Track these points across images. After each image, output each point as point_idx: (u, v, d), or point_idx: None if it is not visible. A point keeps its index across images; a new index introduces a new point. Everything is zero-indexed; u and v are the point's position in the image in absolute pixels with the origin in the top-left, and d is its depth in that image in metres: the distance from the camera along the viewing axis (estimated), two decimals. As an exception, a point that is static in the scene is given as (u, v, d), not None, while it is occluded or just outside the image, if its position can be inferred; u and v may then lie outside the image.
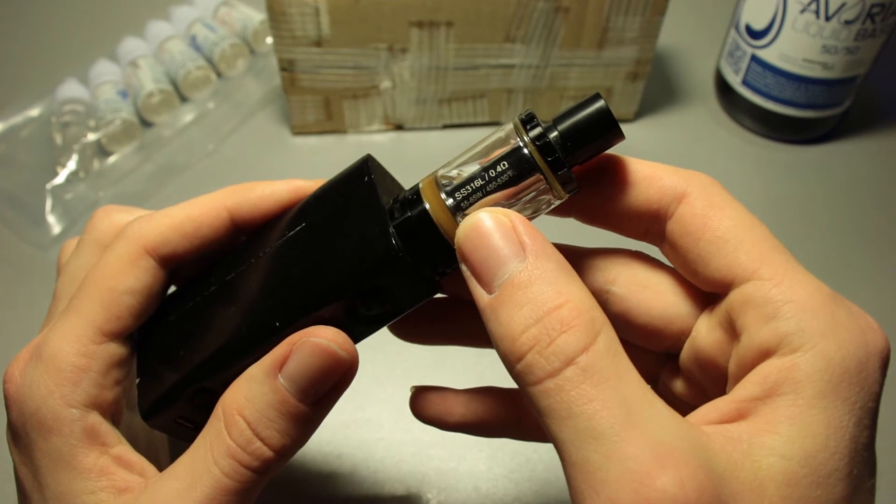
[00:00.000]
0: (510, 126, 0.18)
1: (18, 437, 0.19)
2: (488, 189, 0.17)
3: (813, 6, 0.39)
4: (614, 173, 0.19)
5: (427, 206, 0.18)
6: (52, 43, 0.52)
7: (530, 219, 0.18)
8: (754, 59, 0.43)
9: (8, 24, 0.54)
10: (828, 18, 0.39)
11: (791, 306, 0.16)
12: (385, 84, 0.43)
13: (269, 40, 0.49)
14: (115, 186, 0.42)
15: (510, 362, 0.16)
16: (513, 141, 0.18)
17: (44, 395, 0.19)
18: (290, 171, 0.43)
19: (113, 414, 0.20)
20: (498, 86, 0.44)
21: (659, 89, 0.49)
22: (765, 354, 0.16)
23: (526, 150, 0.17)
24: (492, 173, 0.17)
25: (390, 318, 0.19)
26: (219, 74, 0.48)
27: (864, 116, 0.48)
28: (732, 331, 0.17)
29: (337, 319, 0.18)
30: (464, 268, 0.17)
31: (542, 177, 0.17)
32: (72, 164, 0.42)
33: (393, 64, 0.42)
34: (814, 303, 0.16)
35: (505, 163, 0.17)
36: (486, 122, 0.46)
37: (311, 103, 0.44)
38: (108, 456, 0.19)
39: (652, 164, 0.19)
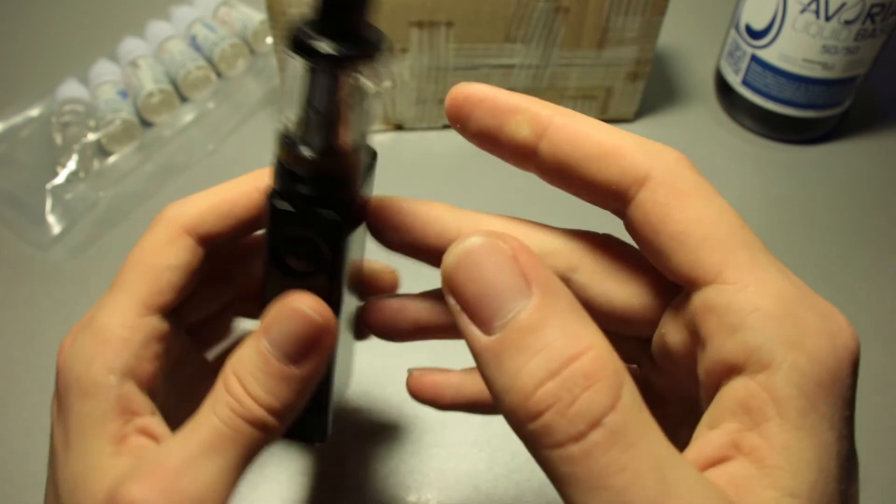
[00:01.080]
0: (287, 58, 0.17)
1: (60, 401, 0.20)
2: (315, 106, 0.17)
3: (813, 6, 0.39)
4: (575, 141, 0.17)
5: (277, 157, 0.18)
6: (52, 43, 0.52)
7: (364, 127, 0.18)
8: (754, 59, 0.43)
9: (8, 24, 0.54)
10: (828, 18, 0.39)
11: (756, 316, 0.15)
12: (385, 83, 0.43)
13: (270, 40, 0.49)
14: (115, 186, 0.42)
15: (520, 420, 0.14)
16: (289, 58, 0.17)
17: (87, 362, 0.19)
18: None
19: (150, 387, 0.21)
20: (498, 86, 0.44)
21: (659, 89, 0.49)
22: (733, 370, 0.15)
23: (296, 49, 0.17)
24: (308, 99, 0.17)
25: (330, 263, 0.19)
26: (219, 74, 0.48)
27: (865, 116, 0.48)
28: (697, 336, 0.16)
29: (286, 284, 0.19)
30: (451, 301, 0.15)
31: (315, 61, 0.16)
32: (72, 164, 0.42)
33: (393, 64, 0.42)
34: (781, 309, 0.15)
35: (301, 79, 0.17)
36: (486, 122, 0.46)
37: (311, 103, 0.44)
38: (135, 424, 0.19)
39: (619, 136, 0.17)
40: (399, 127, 0.46)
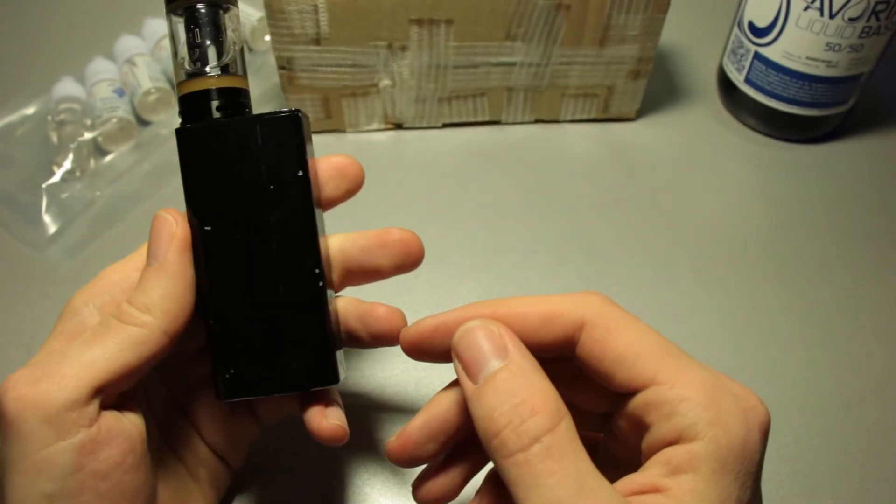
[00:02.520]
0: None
1: None
2: (198, 43, 0.23)
3: (817, 3, 0.39)
4: (523, 320, 0.22)
5: (182, 93, 0.24)
6: (49, 41, 0.52)
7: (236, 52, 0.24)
8: (757, 56, 0.43)
9: (4, 22, 0.54)
10: (832, 16, 0.39)
11: (685, 404, 0.19)
12: (384, 82, 0.43)
13: (268, 38, 0.49)
14: (111, 185, 0.42)
15: (488, 437, 0.19)
16: (174, 17, 0.24)
17: (77, 296, 0.24)
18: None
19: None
20: (498, 84, 0.44)
21: (661, 88, 0.49)
22: (669, 443, 0.19)
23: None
24: (189, 38, 0.24)
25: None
26: (217, 72, 0.47)
27: (869, 115, 0.47)
28: (642, 423, 0.20)
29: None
30: (456, 364, 0.21)
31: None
32: (68, 163, 0.41)
33: (392, 62, 0.42)
34: (703, 397, 0.19)
35: (185, 27, 0.24)
36: (487, 121, 0.46)
37: (309, 102, 0.43)
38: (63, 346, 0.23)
39: (551, 301, 0.22)
40: (399, 125, 0.46)
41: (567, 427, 0.19)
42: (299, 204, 0.23)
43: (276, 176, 0.23)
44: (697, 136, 0.46)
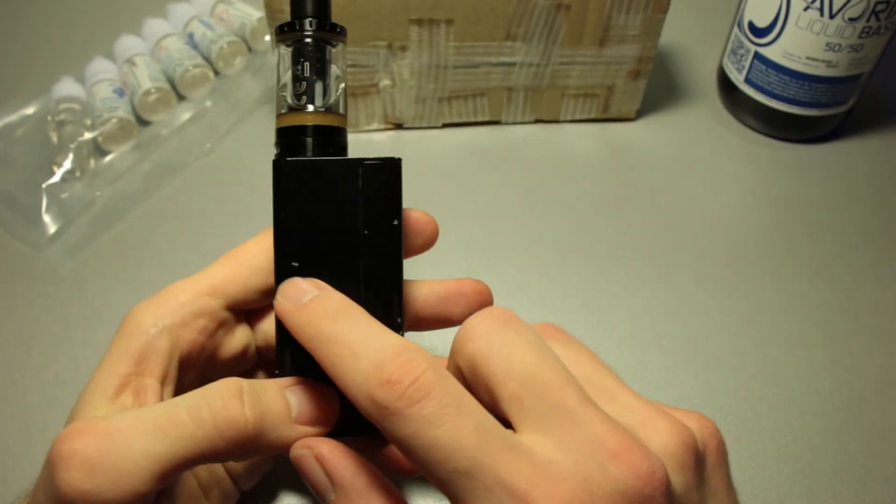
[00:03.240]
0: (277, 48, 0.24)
1: None
2: (303, 78, 0.23)
3: (817, 3, 0.39)
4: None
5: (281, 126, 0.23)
6: (49, 41, 0.52)
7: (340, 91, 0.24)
8: (757, 56, 0.43)
9: (4, 22, 0.54)
10: (832, 16, 0.39)
11: None
12: (384, 82, 0.43)
13: (267, 38, 0.49)
14: (111, 185, 0.42)
15: None
16: (282, 48, 0.24)
17: (143, 310, 0.23)
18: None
19: (184, 355, 0.23)
20: (498, 84, 0.44)
21: (661, 88, 0.49)
22: None
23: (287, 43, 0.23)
24: (298, 72, 0.23)
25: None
26: (216, 73, 0.47)
27: (869, 115, 0.47)
28: None
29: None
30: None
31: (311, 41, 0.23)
32: (68, 163, 0.41)
33: (392, 62, 0.42)
34: None
35: (290, 61, 0.23)
36: (487, 121, 0.46)
37: (309, 102, 0.43)
38: (139, 381, 0.21)
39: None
40: (398, 125, 0.46)
41: None
42: (391, 252, 0.22)
43: (372, 221, 0.22)
44: (697, 136, 0.46)
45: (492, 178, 0.43)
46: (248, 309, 0.25)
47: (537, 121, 0.47)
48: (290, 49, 0.23)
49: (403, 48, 0.41)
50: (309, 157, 0.22)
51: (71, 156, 0.41)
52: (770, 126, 0.46)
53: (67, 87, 0.44)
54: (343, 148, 0.24)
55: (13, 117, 0.45)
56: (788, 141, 0.46)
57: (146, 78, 0.44)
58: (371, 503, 0.20)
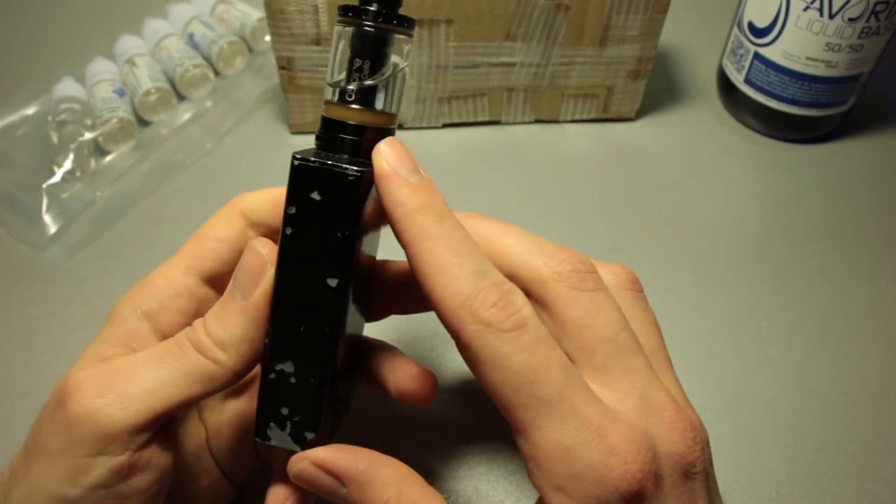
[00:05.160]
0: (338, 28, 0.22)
1: None
2: (359, 68, 0.21)
3: (816, 3, 0.39)
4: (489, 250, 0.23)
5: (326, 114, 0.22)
6: (49, 41, 0.52)
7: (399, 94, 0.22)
8: (757, 57, 0.43)
9: (4, 22, 0.54)
10: (831, 16, 0.39)
11: (532, 464, 0.20)
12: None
13: (268, 38, 0.49)
14: (111, 185, 0.42)
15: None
16: (347, 29, 0.21)
17: (124, 300, 0.23)
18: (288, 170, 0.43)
19: (165, 335, 0.23)
20: (498, 84, 0.44)
21: (661, 88, 0.49)
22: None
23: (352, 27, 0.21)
24: (356, 62, 0.21)
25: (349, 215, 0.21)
26: (217, 73, 0.47)
27: (869, 115, 0.47)
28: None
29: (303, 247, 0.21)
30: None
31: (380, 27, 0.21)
32: (68, 163, 0.41)
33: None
34: (552, 459, 0.19)
35: (347, 44, 0.21)
36: (487, 121, 0.46)
37: (309, 102, 0.44)
38: (128, 356, 0.22)
39: (519, 255, 0.23)
40: (399, 126, 0.46)
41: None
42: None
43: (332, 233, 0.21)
44: (697, 136, 0.46)
45: (492, 178, 0.43)
46: (226, 282, 0.25)
47: (537, 121, 0.47)
48: (349, 34, 0.21)
49: (403, 48, 0.41)
50: (321, 160, 0.20)
51: (71, 156, 0.42)
52: (769, 126, 0.46)
53: (68, 87, 0.44)
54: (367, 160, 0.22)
55: (14, 117, 0.45)
56: (788, 141, 0.46)
57: (146, 78, 0.44)
58: (381, 480, 0.20)
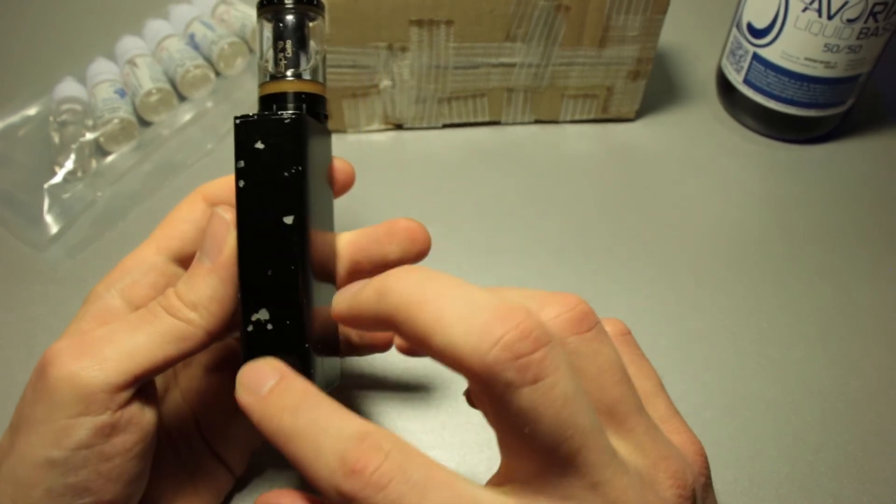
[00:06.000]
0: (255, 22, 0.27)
1: None
2: (284, 49, 0.25)
3: (815, 4, 0.39)
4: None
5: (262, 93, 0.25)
6: (50, 42, 0.52)
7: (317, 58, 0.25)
8: (756, 57, 0.43)
9: (5, 22, 0.54)
10: (830, 17, 0.39)
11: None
12: (384, 83, 0.43)
13: (268, 39, 0.49)
14: (112, 186, 0.42)
15: None
16: (264, 22, 0.25)
17: (99, 283, 0.25)
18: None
19: (137, 309, 0.24)
20: (498, 84, 0.44)
21: (660, 88, 0.49)
22: None
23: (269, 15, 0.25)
24: (279, 45, 0.25)
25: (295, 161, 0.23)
26: (217, 73, 0.47)
27: (867, 115, 0.48)
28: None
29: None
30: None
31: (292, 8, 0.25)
32: (69, 164, 0.41)
33: (392, 63, 0.42)
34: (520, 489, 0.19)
35: (272, 32, 0.25)
36: (487, 122, 0.46)
37: (310, 102, 0.44)
38: (105, 326, 0.23)
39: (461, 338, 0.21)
40: (398, 126, 0.46)
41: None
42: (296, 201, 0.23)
43: (279, 174, 0.23)
44: (696, 136, 0.46)
45: (492, 179, 0.43)
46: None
47: (537, 121, 0.47)
48: (270, 23, 0.25)
49: (403, 49, 0.41)
50: (259, 113, 0.23)
51: (72, 156, 0.42)
52: (769, 127, 0.46)
53: (69, 87, 0.44)
54: (323, 116, 0.25)
55: (15, 118, 0.45)
56: (787, 141, 0.46)
57: (147, 78, 0.44)
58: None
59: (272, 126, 0.22)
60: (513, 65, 0.43)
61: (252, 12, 0.50)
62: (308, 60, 0.25)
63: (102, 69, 0.46)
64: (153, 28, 0.48)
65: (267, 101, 0.25)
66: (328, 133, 0.26)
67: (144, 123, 0.45)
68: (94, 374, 0.21)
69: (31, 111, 0.45)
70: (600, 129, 0.46)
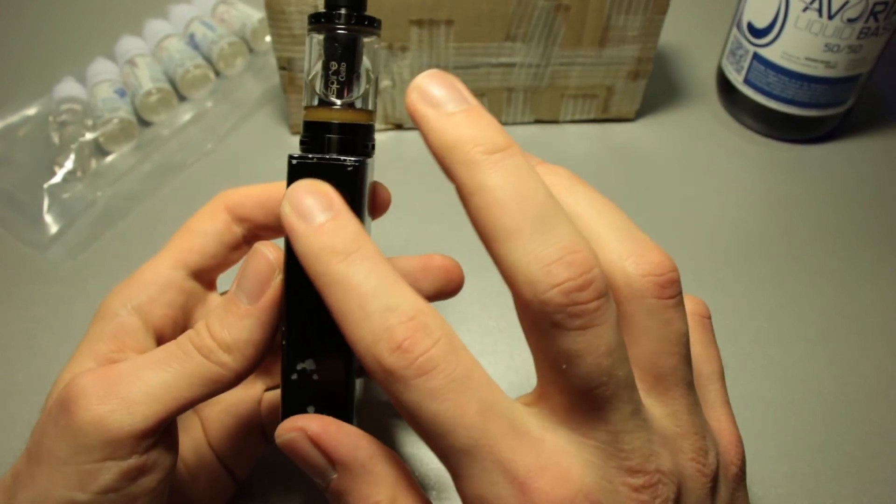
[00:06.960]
0: (308, 38, 0.23)
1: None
2: (334, 72, 0.22)
3: (815, 4, 0.39)
4: None
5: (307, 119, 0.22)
6: (50, 41, 0.52)
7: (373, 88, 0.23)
8: (756, 57, 0.43)
9: (5, 22, 0.54)
10: (830, 17, 0.39)
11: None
12: (385, 83, 0.43)
13: (268, 39, 0.49)
14: (112, 186, 0.42)
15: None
16: (316, 36, 0.22)
17: (113, 295, 0.24)
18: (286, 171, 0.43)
19: (157, 327, 0.24)
20: (498, 85, 0.44)
21: (660, 88, 0.49)
22: None
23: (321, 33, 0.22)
24: (331, 66, 0.22)
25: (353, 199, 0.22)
26: (217, 73, 0.47)
27: (867, 115, 0.48)
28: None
29: None
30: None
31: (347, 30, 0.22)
32: (69, 164, 0.41)
33: (393, 63, 0.42)
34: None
35: (323, 50, 0.22)
36: (487, 122, 0.46)
37: (310, 102, 0.44)
38: (123, 355, 0.22)
39: None
40: (399, 126, 0.46)
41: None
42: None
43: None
44: (697, 136, 0.46)
45: (492, 179, 0.43)
46: (213, 276, 0.26)
47: (537, 121, 0.47)
48: (321, 39, 0.22)
49: (404, 49, 0.41)
50: (319, 156, 0.21)
51: (72, 156, 0.42)
52: (769, 126, 0.46)
53: (69, 87, 0.44)
54: (368, 147, 0.23)
55: (15, 118, 0.45)
56: (787, 141, 0.46)
57: (147, 78, 0.44)
58: (377, 476, 0.19)
59: (331, 171, 0.21)
60: (513, 65, 0.43)
61: (251, 12, 0.50)
62: (360, 87, 0.23)
63: (102, 69, 0.46)
64: (153, 28, 0.48)
65: (314, 128, 0.22)
66: (372, 159, 0.24)
67: (144, 123, 0.45)
68: (121, 419, 0.20)
69: (31, 111, 0.45)
70: (600, 129, 0.46)
